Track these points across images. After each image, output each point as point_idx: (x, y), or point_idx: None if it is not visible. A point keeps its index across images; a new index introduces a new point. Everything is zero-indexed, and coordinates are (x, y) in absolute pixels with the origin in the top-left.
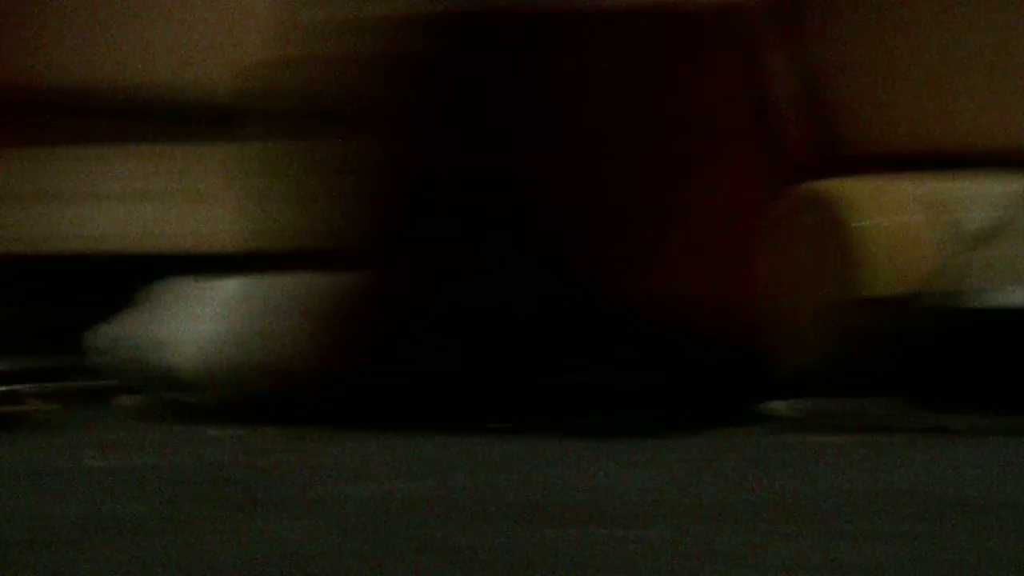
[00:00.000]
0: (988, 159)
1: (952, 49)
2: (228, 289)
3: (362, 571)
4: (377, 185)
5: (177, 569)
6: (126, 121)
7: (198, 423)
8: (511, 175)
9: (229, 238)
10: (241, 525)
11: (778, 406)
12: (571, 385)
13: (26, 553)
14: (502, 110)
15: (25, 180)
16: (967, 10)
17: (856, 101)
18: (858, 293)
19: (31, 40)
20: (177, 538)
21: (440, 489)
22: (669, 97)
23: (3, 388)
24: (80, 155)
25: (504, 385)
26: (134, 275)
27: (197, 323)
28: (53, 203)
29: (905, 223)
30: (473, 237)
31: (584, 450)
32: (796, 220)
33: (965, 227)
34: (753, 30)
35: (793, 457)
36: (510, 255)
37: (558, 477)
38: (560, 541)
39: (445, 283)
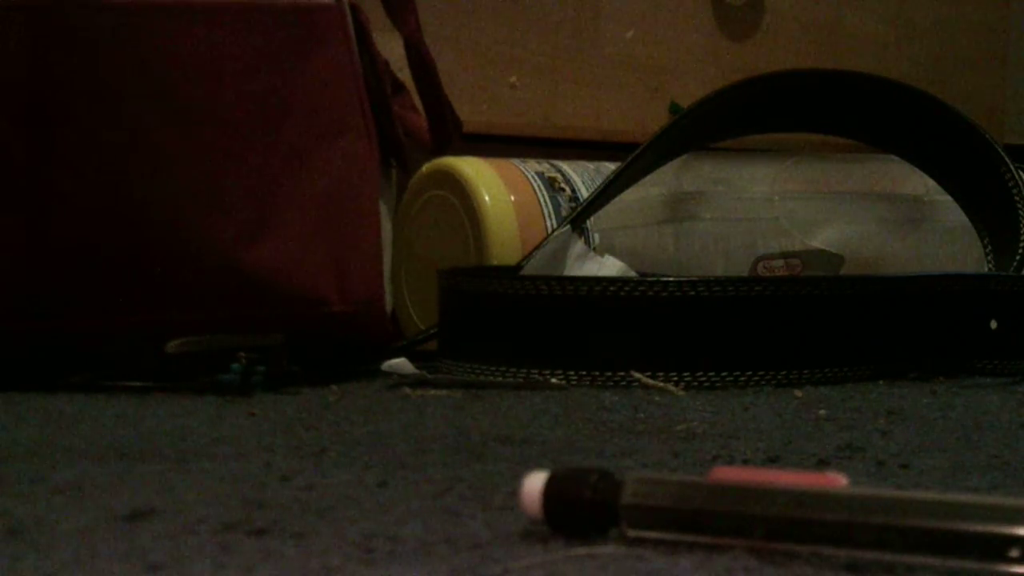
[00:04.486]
0: (601, 143)
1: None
2: None
3: None
4: None
5: None
6: None
7: None
8: (125, 151)
9: None
10: None
11: (394, 366)
12: (197, 348)
13: None
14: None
15: None
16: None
17: (476, 83)
18: (475, 263)
19: None
20: None
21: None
22: (280, 88)
23: None
24: None
25: (127, 349)
26: None
27: None
28: None
29: (520, 199)
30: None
31: (202, 403)
32: (418, 195)
33: (566, 205)
34: (361, 16)
35: (391, 408)
36: (122, 224)
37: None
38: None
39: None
